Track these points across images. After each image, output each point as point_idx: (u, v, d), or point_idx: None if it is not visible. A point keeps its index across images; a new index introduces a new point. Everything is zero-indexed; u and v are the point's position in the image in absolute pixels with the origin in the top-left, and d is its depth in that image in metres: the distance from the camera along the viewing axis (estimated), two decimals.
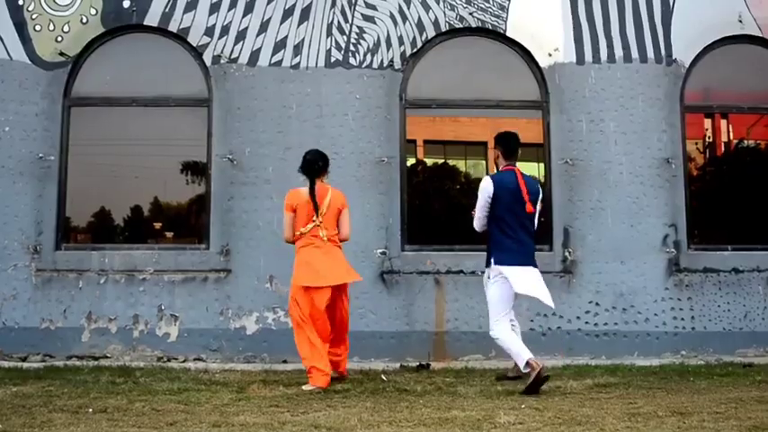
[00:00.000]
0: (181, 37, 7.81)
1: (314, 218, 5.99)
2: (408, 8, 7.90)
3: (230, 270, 7.50)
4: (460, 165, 8.52)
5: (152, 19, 7.79)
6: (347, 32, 7.84)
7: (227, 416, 4.58)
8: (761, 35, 8.03)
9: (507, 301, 5.92)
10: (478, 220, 6.14)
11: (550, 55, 7.90)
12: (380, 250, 7.55)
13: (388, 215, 7.62)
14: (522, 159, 6.23)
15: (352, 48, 7.82)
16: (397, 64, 7.83)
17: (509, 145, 6.14)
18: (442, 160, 8.56)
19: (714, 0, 8.01)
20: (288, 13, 7.83)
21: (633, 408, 4.76)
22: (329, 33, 7.82)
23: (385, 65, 7.82)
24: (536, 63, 7.91)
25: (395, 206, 7.66)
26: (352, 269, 6.08)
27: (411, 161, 8.15)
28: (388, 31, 7.86)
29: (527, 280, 5.85)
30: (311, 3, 7.85)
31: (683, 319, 7.61)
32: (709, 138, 8.45)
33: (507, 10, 7.94)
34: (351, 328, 6.29)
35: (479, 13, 7.93)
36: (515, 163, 6.11)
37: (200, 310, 7.44)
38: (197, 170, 7.94)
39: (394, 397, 5.33)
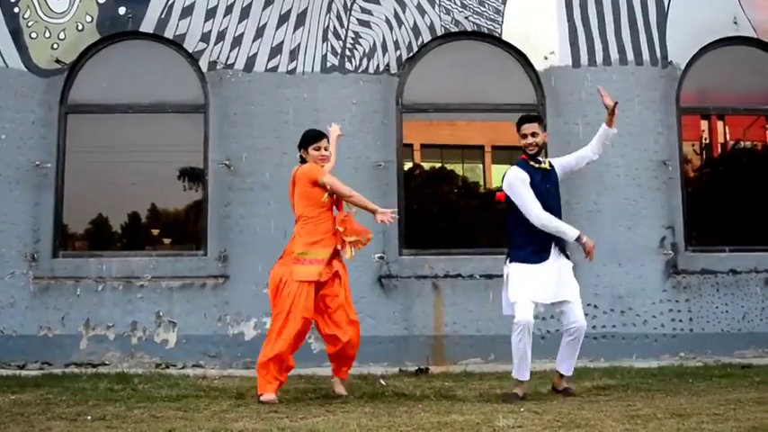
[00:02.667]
0: (177, 43, 7.81)
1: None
2: (404, 13, 7.91)
3: (228, 276, 7.49)
4: (457, 168, 8.52)
5: (148, 25, 7.79)
6: (343, 37, 7.85)
7: (226, 422, 4.57)
8: (756, 36, 8.05)
9: None
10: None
11: (546, 58, 7.91)
12: (378, 255, 7.54)
13: None
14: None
15: (348, 53, 7.83)
16: (394, 68, 7.84)
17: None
18: (439, 164, 8.56)
19: (709, 2, 8.03)
20: (283, 19, 7.84)
21: (632, 410, 4.75)
22: (325, 38, 7.83)
23: (381, 69, 7.83)
24: (532, 66, 7.92)
25: None
26: None
27: (408, 165, 8.16)
28: (383, 36, 7.87)
29: None
30: (307, 8, 7.85)
31: (681, 320, 7.61)
32: (705, 139, 8.47)
33: (503, 14, 7.96)
34: None
35: (475, 17, 7.94)
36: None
37: (198, 317, 7.43)
38: (194, 176, 7.94)
39: (393, 402, 5.32)
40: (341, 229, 5.56)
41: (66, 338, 7.37)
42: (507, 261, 5.54)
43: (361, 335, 5.85)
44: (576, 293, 5.46)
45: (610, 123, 5.64)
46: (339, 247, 5.59)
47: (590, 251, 5.35)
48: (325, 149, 5.71)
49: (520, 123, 5.65)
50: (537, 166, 5.56)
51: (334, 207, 5.69)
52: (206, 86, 7.80)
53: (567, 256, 5.53)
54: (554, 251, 5.45)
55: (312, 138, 5.72)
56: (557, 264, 5.44)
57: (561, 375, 5.61)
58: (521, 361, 5.34)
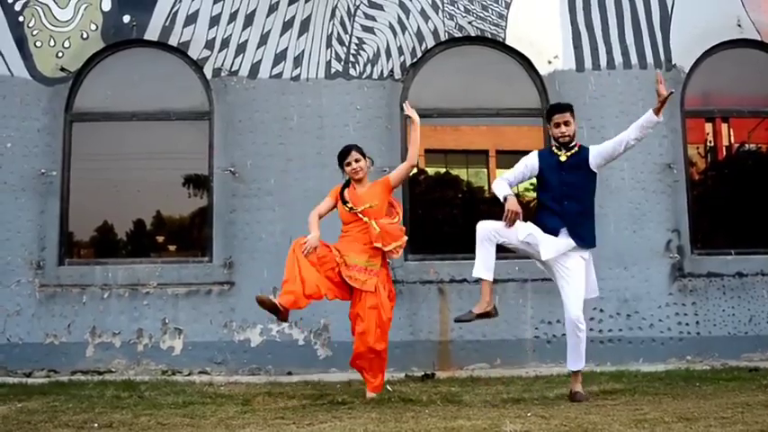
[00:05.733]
0: (181, 51, 7.84)
1: None
2: (407, 18, 7.92)
3: (234, 282, 7.50)
4: (462, 173, 8.52)
5: (152, 33, 7.82)
6: (347, 43, 7.86)
7: (233, 429, 4.57)
8: (760, 39, 8.04)
9: None
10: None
11: (550, 62, 7.91)
12: None
13: None
14: None
15: (352, 59, 7.84)
16: (398, 74, 7.85)
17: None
18: (444, 169, 8.56)
19: (713, 5, 8.03)
20: (287, 26, 7.86)
21: (640, 414, 4.74)
22: (329, 45, 7.85)
23: (385, 75, 7.84)
24: (536, 71, 7.92)
25: None
26: None
27: (412, 171, 8.13)
28: (387, 42, 7.88)
29: None
30: (311, 14, 7.87)
31: (687, 324, 7.59)
32: (710, 142, 8.46)
33: (506, 18, 7.96)
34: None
35: (478, 22, 7.95)
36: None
37: (204, 323, 7.44)
38: (199, 183, 7.95)
39: (399, 407, 5.31)
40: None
41: (72, 346, 7.37)
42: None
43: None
44: (573, 288, 5.59)
45: (657, 112, 5.47)
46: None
47: (507, 215, 5.43)
48: (356, 161, 6.10)
49: (552, 112, 5.71)
50: (558, 153, 5.66)
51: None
52: (210, 93, 7.82)
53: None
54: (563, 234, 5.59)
55: (341, 156, 6.18)
56: (567, 246, 5.59)
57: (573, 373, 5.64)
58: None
